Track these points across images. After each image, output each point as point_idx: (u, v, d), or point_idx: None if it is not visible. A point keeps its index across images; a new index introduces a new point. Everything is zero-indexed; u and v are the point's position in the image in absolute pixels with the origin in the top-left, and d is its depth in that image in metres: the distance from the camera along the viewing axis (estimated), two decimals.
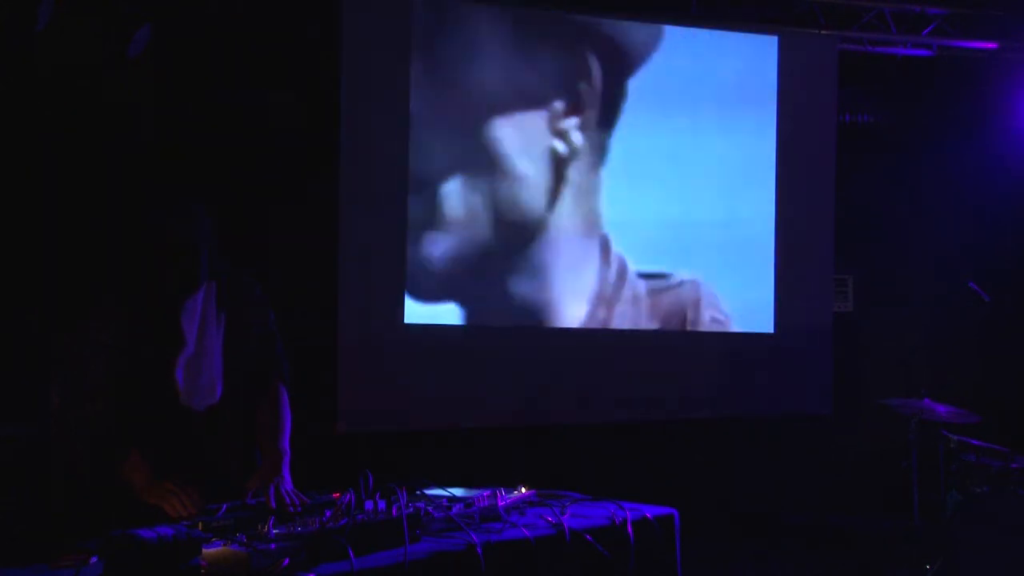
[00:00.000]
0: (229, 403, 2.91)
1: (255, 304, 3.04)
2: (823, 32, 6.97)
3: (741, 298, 6.79)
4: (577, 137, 6.40)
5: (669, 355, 6.60)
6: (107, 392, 2.74)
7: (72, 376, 2.75)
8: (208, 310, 2.86)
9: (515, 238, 6.25)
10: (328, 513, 2.46)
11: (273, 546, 2.25)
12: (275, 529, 2.33)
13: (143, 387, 2.80)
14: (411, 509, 2.52)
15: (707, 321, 6.70)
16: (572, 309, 6.38)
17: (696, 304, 6.68)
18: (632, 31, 6.54)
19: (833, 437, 7.01)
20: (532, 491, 3.00)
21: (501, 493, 2.85)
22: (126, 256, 2.95)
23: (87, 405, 2.72)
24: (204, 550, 2.18)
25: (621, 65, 6.51)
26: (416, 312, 6.00)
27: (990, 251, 7.18)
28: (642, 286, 6.54)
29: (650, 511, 2.97)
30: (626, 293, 6.51)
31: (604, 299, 6.46)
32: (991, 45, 7.15)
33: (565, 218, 6.38)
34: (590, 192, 6.44)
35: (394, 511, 2.48)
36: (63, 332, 2.84)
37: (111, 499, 2.69)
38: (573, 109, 6.39)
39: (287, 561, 2.19)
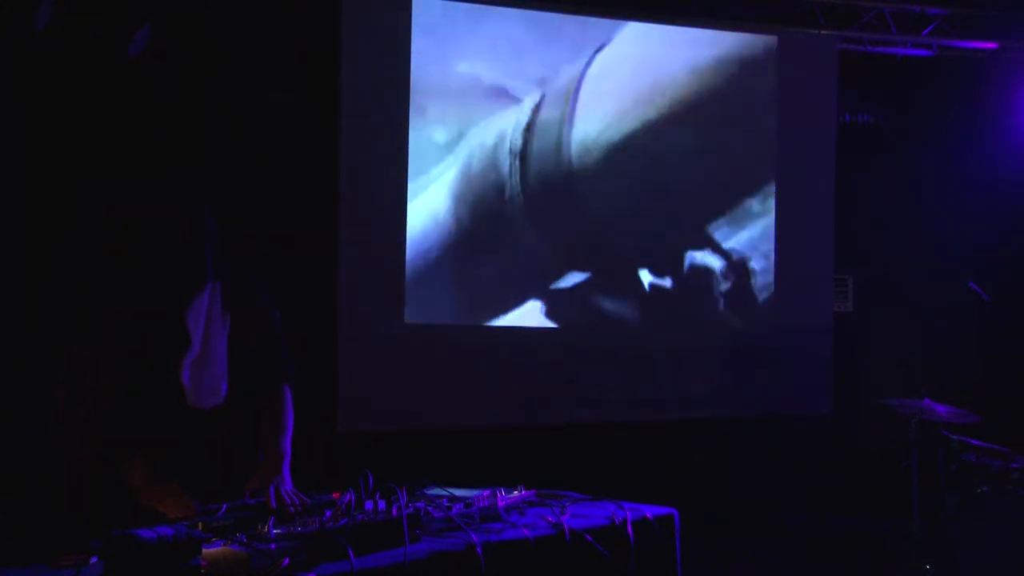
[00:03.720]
0: (234, 403, 2.91)
1: (260, 305, 3.04)
2: (823, 32, 6.97)
3: (741, 297, 6.79)
4: (577, 134, 6.40)
5: (669, 355, 6.60)
6: (112, 393, 2.74)
7: (77, 377, 2.75)
8: (213, 310, 2.86)
9: (515, 237, 6.25)
10: (328, 513, 2.46)
11: (273, 546, 2.25)
12: (275, 529, 2.33)
13: (149, 387, 2.80)
14: (411, 509, 2.52)
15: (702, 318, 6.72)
16: (572, 308, 6.38)
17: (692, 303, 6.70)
18: (633, 30, 6.54)
19: (833, 437, 7.01)
20: (532, 491, 3.00)
21: (501, 493, 2.85)
22: (131, 256, 2.95)
23: (92, 406, 2.72)
24: (204, 550, 2.18)
25: (620, 64, 6.52)
26: (416, 312, 6.00)
27: (990, 251, 7.17)
28: (641, 285, 6.55)
29: (650, 511, 2.96)
30: (625, 293, 6.52)
31: (604, 298, 6.46)
32: (991, 45, 7.15)
33: (564, 217, 6.38)
34: (589, 191, 6.44)
35: (394, 511, 2.48)
36: (68, 333, 2.84)
37: (112, 500, 2.69)
38: (571, 106, 6.39)
39: (287, 561, 2.19)
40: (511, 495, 2.89)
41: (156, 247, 2.78)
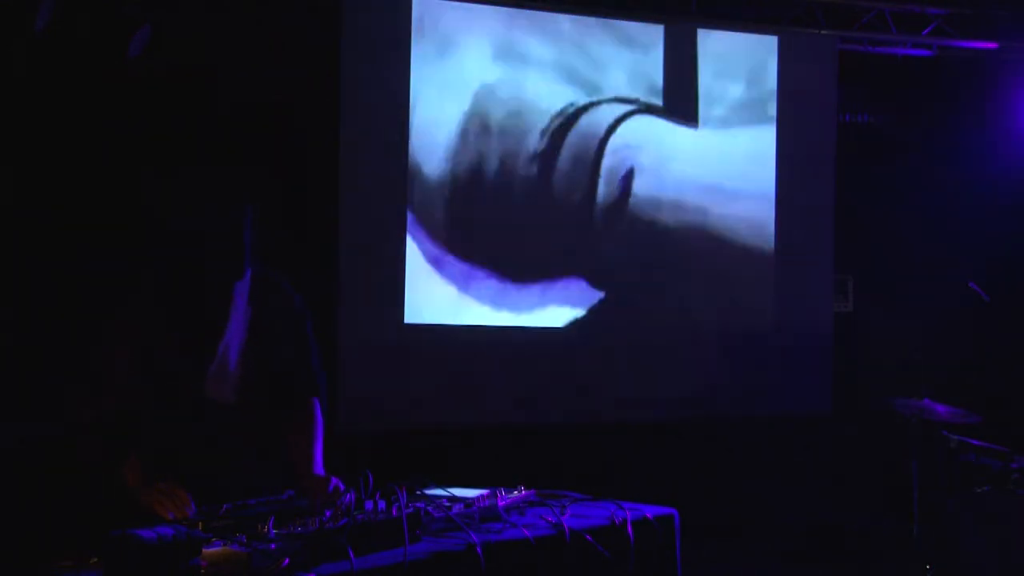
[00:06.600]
0: (252, 407, 2.90)
1: (291, 310, 3.04)
2: (823, 32, 6.97)
3: (741, 298, 6.79)
4: (575, 136, 6.40)
5: (668, 355, 6.60)
6: (119, 393, 2.72)
7: (89, 377, 2.74)
8: (244, 304, 2.87)
9: (515, 238, 6.25)
10: (328, 513, 2.46)
11: (273, 546, 2.25)
12: (275, 529, 2.33)
13: (173, 379, 2.78)
14: (411, 509, 2.52)
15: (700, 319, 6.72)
16: (572, 308, 6.38)
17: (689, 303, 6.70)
18: (634, 30, 6.54)
19: (833, 437, 7.01)
20: (532, 491, 3.00)
21: (501, 493, 2.85)
22: (161, 249, 2.93)
23: (100, 406, 2.71)
24: (204, 550, 2.18)
25: (620, 63, 6.52)
26: (416, 312, 5.99)
27: (990, 251, 7.17)
28: (641, 285, 6.55)
29: (650, 511, 2.97)
30: (625, 293, 6.52)
31: (604, 299, 6.46)
32: (991, 45, 7.15)
33: (564, 217, 6.38)
34: (588, 192, 6.44)
35: (394, 511, 2.48)
36: (82, 334, 2.83)
37: (112, 500, 2.68)
38: (570, 106, 6.40)
39: (287, 561, 2.19)
40: (511, 495, 2.89)
41: (194, 234, 2.77)
